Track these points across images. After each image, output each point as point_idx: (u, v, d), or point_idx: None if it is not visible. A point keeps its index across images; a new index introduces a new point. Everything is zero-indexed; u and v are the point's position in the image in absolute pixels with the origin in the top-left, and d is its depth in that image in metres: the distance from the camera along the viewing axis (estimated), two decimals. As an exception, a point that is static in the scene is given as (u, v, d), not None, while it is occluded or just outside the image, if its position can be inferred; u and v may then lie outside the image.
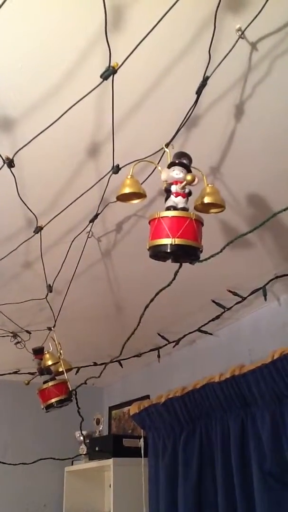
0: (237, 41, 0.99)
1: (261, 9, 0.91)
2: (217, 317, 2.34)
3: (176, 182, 0.98)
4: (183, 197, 0.97)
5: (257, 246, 1.83)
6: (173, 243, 0.95)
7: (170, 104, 1.16)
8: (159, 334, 2.64)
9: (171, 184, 0.99)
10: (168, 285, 1.41)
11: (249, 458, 1.89)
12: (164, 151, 1.12)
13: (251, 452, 1.88)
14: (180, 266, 1.26)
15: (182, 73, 1.09)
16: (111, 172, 1.22)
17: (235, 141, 1.29)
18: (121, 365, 2.77)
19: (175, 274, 1.31)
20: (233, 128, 1.24)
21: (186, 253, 0.99)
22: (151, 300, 1.53)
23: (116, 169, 1.19)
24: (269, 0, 0.90)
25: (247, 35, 1.00)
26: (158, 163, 1.13)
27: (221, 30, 0.98)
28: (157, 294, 1.50)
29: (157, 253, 0.99)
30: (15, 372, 3.05)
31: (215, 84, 1.09)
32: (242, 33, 0.98)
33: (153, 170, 1.23)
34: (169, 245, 0.96)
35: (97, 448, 2.93)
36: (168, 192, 0.98)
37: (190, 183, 0.97)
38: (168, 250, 0.96)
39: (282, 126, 1.24)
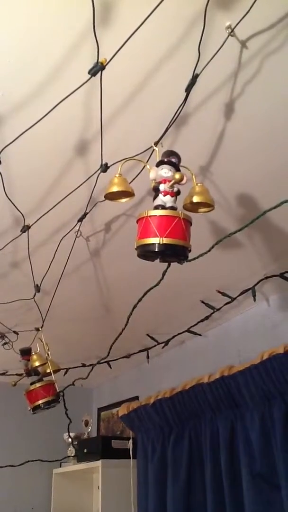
0: (226, 39, 0.98)
1: (251, 7, 0.90)
2: (206, 317, 2.34)
3: (164, 181, 0.97)
4: (172, 196, 0.96)
5: (246, 246, 1.82)
6: (161, 243, 0.94)
7: (159, 102, 1.15)
8: (148, 335, 2.62)
9: (160, 182, 0.98)
10: (157, 284, 1.40)
11: (238, 459, 1.88)
12: (153, 150, 1.10)
13: (240, 453, 1.87)
14: (169, 266, 1.24)
15: (172, 71, 1.07)
16: (99, 171, 1.20)
17: (225, 140, 1.28)
18: (110, 366, 2.75)
19: (163, 274, 1.30)
20: (223, 126, 1.23)
21: (174, 253, 0.98)
22: (139, 300, 1.52)
23: (104, 168, 1.17)
24: (259, -2, 0.90)
25: (237, 32, 0.99)
26: (147, 162, 1.11)
27: (211, 27, 0.97)
28: (145, 294, 1.49)
29: (145, 252, 0.98)
30: (3, 374, 3.02)
31: (205, 82, 1.08)
32: (232, 30, 0.97)
33: (142, 169, 1.22)
34: (157, 245, 0.95)
35: (85, 450, 2.91)
36: (156, 191, 0.97)
37: (178, 182, 0.96)
38: (156, 250, 0.95)
39: (272, 125, 1.24)
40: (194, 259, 1.05)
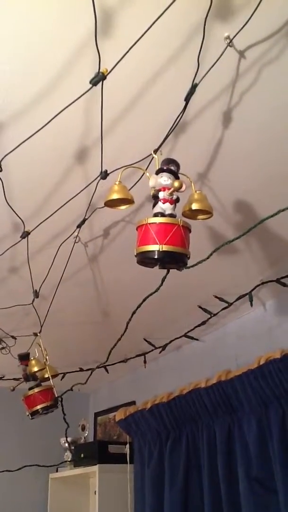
0: (225, 49, 1.00)
1: (249, 18, 0.92)
2: (203, 322, 2.35)
3: (164, 189, 0.99)
4: (171, 204, 0.97)
5: (243, 252, 1.84)
6: (160, 250, 0.95)
7: (158, 111, 1.17)
8: (145, 340, 2.63)
9: (159, 190, 0.99)
10: (156, 291, 1.41)
11: (236, 464, 1.89)
12: (153, 157, 1.12)
13: (237, 458, 1.88)
14: (168, 272, 1.26)
15: (170, 80, 1.09)
16: (99, 178, 1.21)
17: (222, 148, 1.30)
18: (107, 371, 2.76)
19: (163, 280, 1.31)
20: (221, 135, 1.25)
21: (174, 260, 0.99)
22: (138, 306, 1.53)
23: (104, 175, 1.19)
24: (257, 9, 0.91)
25: (235, 43, 1.01)
26: (146, 169, 1.13)
27: (210, 38, 0.98)
28: (144, 300, 1.50)
29: (145, 259, 0.99)
30: (0, 378, 3.02)
31: (203, 91, 1.10)
32: (231, 41, 0.99)
33: (141, 176, 1.23)
34: (156, 252, 0.96)
35: (82, 455, 2.91)
36: (156, 199, 0.99)
37: (177, 189, 0.98)
38: (156, 257, 0.96)
39: (269, 134, 1.26)
40: (193, 266, 1.06)
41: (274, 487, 1.72)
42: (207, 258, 1.19)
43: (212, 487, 1.96)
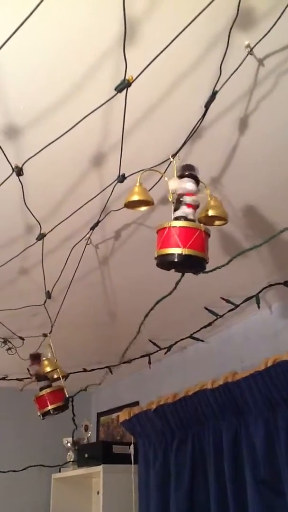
0: (245, 57, 1.02)
1: (272, 27, 0.94)
2: (209, 324, 2.36)
3: (188, 194, 1.00)
4: (194, 209, 0.99)
5: (251, 255, 1.85)
6: (182, 253, 0.97)
7: (175, 117, 1.18)
8: (150, 341, 2.65)
9: (183, 195, 1.01)
10: (169, 294, 1.43)
11: (242, 465, 1.90)
12: (170, 162, 1.14)
13: (244, 460, 1.90)
14: (182, 276, 1.27)
15: (189, 87, 1.11)
16: (116, 181, 1.23)
17: (237, 154, 1.31)
18: (111, 371, 2.77)
19: (176, 283, 1.34)
20: (236, 141, 1.27)
21: (193, 264, 1.01)
22: (151, 309, 1.56)
23: (121, 178, 1.20)
24: (279, 19, 0.93)
25: (255, 51, 1.03)
26: (164, 173, 1.15)
27: (230, 46, 1.00)
28: (156, 303, 1.52)
29: (164, 261, 1.01)
30: (3, 378, 3.03)
31: (221, 98, 1.11)
32: (251, 49, 1.00)
33: (159, 180, 1.25)
34: (177, 255, 0.98)
35: (86, 455, 2.92)
36: (179, 203, 1.00)
37: (200, 197, 1.00)
38: (176, 260, 0.98)
39: (284, 140, 1.28)
40: (210, 271, 1.08)
41: (281, 489, 1.74)
42: (227, 263, 1.21)
43: (218, 489, 1.98)
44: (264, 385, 1.85)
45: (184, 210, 0.98)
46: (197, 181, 0.99)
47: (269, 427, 1.84)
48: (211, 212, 1.10)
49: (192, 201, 0.97)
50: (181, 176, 1.00)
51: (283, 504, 1.71)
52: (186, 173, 1.00)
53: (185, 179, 0.99)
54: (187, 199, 0.98)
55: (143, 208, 1.11)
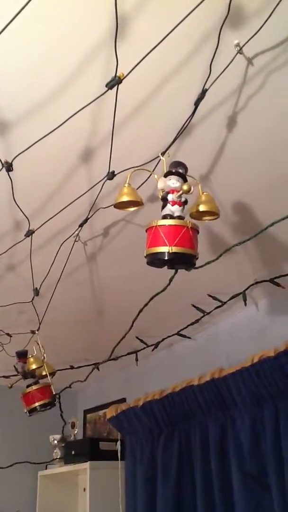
0: (235, 56, 1.03)
1: (262, 26, 0.95)
2: (197, 321, 2.37)
3: (172, 191, 1.01)
4: (179, 206, 1.00)
5: (238, 251, 1.86)
6: (170, 251, 0.98)
7: (165, 114, 1.19)
8: (137, 338, 2.65)
9: (168, 193, 1.02)
10: (164, 289, 1.44)
11: (229, 461, 1.92)
12: (160, 159, 1.14)
13: (230, 455, 1.92)
14: (176, 273, 1.28)
15: (178, 84, 1.11)
16: (105, 178, 1.23)
17: (225, 151, 1.32)
18: (98, 368, 2.77)
19: (170, 280, 1.34)
20: (225, 138, 1.28)
21: (183, 261, 1.02)
22: (146, 304, 1.57)
23: (111, 175, 1.20)
24: (269, 18, 0.94)
25: (244, 50, 1.04)
26: (153, 171, 1.15)
27: (220, 44, 1.01)
28: (152, 298, 1.53)
29: (155, 260, 1.02)
30: (-11, 375, 3.00)
31: (210, 96, 1.12)
32: (241, 48, 1.01)
33: (147, 178, 1.25)
34: (166, 253, 0.99)
35: (73, 452, 2.92)
36: (164, 201, 1.01)
37: (186, 192, 1.00)
38: (166, 258, 0.99)
39: (272, 138, 1.29)
40: (201, 266, 1.09)
41: (266, 483, 1.76)
42: (216, 259, 1.22)
43: (205, 484, 2.00)
44: (251, 381, 1.87)
45: (170, 208, 0.98)
46: (183, 177, 1.00)
47: (255, 423, 1.86)
48: (202, 208, 1.11)
49: (177, 198, 0.98)
50: (167, 174, 1.01)
51: (268, 497, 1.74)
52: (173, 171, 1.00)
53: (169, 176, 0.99)
54: (171, 196, 0.98)
55: (133, 209, 1.12)
